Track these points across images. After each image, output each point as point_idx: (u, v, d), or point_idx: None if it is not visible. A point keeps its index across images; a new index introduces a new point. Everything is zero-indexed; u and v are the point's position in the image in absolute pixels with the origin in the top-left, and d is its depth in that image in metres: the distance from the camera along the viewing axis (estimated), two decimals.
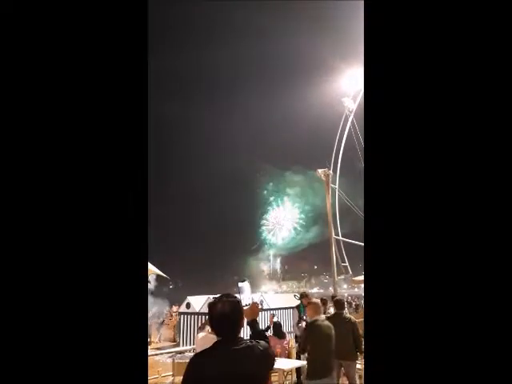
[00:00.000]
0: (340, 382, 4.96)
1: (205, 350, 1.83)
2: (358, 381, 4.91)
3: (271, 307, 11.44)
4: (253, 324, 2.05)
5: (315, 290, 58.50)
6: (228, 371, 1.65)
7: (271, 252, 78.07)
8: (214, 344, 1.78)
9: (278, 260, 79.45)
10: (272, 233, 77.84)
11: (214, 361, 1.68)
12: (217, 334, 1.81)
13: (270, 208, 79.33)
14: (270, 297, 13.57)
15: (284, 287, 65.12)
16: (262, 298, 11.95)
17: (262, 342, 1.84)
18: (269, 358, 1.82)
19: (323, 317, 3.95)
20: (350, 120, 21.05)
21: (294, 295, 8.14)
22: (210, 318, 1.85)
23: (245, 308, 2.14)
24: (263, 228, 78.74)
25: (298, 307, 6.58)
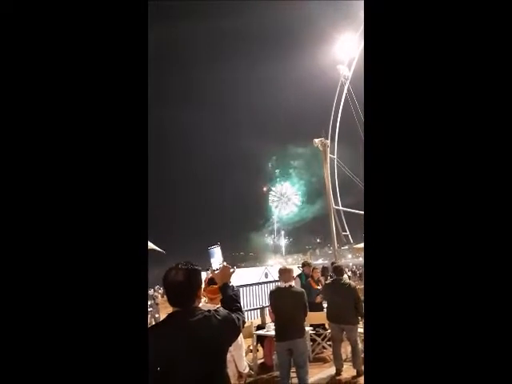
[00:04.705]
0: (342, 345, 5.04)
1: (159, 322, 1.72)
2: (360, 344, 4.97)
3: (276, 279, 11.63)
4: (224, 288, 1.91)
5: (320, 261, 59.14)
6: (182, 344, 1.52)
7: (276, 226, 78.70)
8: (167, 316, 1.66)
9: (283, 234, 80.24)
10: (278, 207, 78.19)
11: (167, 335, 1.56)
12: (171, 304, 1.67)
13: (275, 182, 79.40)
14: (274, 269, 13.79)
15: (290, 260, 65.91)
16: (266, 270, 12.16)
17: (222, 311, 1.70)
18: (228, 328, 1.67)
19: (289, 283, 4.09)
20: (346, 87, 20.62)
21: (298, 266, 8.20)
22: (164, 288, 1.68)
23: (215, 272, 2.06)
24: (269, 203, 79.12)
25: (299, 276, 6.62)
